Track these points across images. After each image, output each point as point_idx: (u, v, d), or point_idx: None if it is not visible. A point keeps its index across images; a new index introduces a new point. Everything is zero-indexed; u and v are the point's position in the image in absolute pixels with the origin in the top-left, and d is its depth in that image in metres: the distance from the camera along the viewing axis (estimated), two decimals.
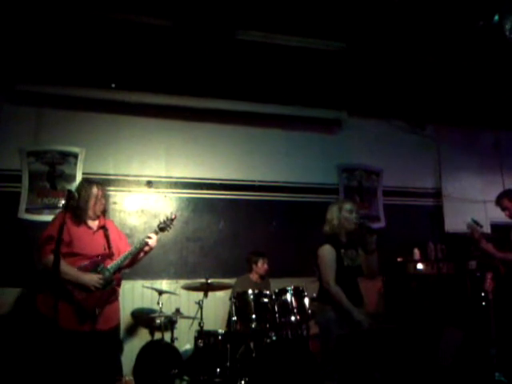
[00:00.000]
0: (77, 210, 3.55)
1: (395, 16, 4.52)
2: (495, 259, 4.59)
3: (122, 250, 3.73)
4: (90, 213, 3.63)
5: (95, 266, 3.52)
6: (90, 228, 3.63)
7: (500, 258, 4.46)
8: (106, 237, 3.66)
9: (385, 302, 5.99)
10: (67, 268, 3.34)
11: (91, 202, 3.61)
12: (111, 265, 3.58)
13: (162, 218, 3.99)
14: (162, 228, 3.92)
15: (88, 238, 3.58)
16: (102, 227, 3.69)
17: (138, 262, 3.92)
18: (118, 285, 3.68)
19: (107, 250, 3.63)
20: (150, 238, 3.76)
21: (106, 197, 3.77)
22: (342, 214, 3.79)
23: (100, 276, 3.48)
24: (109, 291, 3.53)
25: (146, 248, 3.77)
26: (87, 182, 3.81)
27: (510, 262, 4.38)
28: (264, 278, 5.34)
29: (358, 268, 3.83)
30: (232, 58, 5.17)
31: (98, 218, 3.69)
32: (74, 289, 3.37)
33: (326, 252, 3.65)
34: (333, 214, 3.81)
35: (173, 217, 3.98)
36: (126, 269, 3.83)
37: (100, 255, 3.57)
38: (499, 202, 4.60)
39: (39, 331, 3.27)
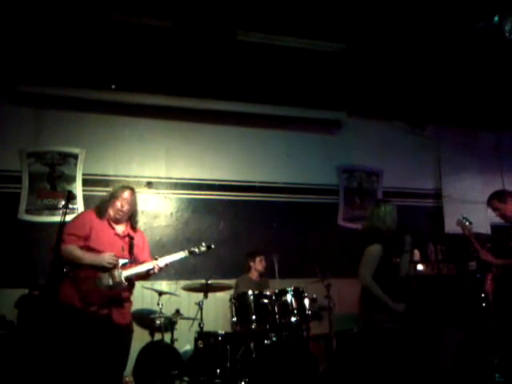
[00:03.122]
0: (101, 204, 3.60)
1: (395, 17, 4.52)
2: (492, 264, 4.61)
3: (140, 261, 3.63)
4: (111, 212, 3.56)
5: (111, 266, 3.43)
6: (112, 228, 3.57)
7: (498, 265, 4.47)
8: (130, 243, 3.55)
9: None
10: (83, 253, 3.37)
11: (112, 202, 3.56)
12: (127, 272, 3.47)
13: (199, 245, 3.81)
14: (191, 252, 3.75)
15: (109, 237, 3.53)
16: (128, 235, 3.59)
17: (149, 278, 3.81)
18: (130, 289, 3.62)
19: (126, 253, 3.52)
20: (157, 263, 3.57)
21: (130, 204, 3.60)
22: (394, 213, 3.80)
23: (112, 254, 3.40)
24: (114, 293, 3.44)
25: (155, 270, 3.59)
26: (121, 186, 3.80)
27: (507, 266, 4.39)
28: (263, 276, 5.35)
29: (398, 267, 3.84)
30: (232, 59, 5.17)
31: (118, 222, 3.60)
32: (82, 280, 3.36)
33: (376, 251, 3.61)
34: (387, 212, 3.78)
35: (208, 245, 3.81)
36: (138, 280, 3.75)
37: (116, 255, 3.47)
38: (490, 203, 4.61)
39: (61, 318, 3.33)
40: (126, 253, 3.52)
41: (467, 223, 4.68)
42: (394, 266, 3.71)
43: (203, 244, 3.83)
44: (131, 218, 3.66)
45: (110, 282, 3.41)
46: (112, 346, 3.36)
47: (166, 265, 3.64)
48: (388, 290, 3.48)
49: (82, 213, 3.54)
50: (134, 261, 3.56)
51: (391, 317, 3.44)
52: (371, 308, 3.52)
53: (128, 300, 3.62)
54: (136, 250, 3.60)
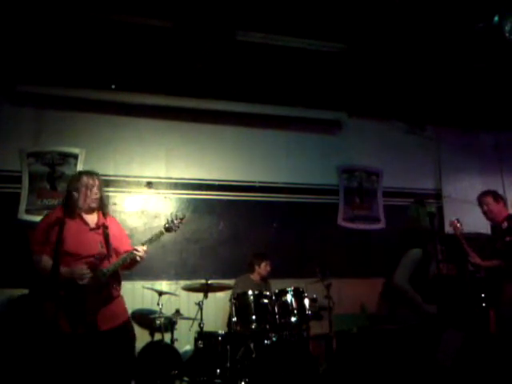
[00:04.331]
0: (68, 203, 3.27)
1: (395, 17, 4.53)
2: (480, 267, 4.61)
3: (122, 251, 3.46)
4: (82, 205, 3.33)
5: (90, 268, 3.22)
6: (86, 224, 3.34)
7: (487, 267, 4.49)
8: (105, 235, 3.34)
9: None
10: (49, 265, 3.02)
11: (82, 192, 3.32)
12: (108, 267, 3.27)
13: (170, 217, 3.60)
14: (168, 228, 3.57)
15: (83, 235, 3.29)
16: (102, 225, 3.37)
17: (135, 267, 3.60)
18: (118, 285, 3.42)
19: (104, 250, 3.31)
20: (137, 250, 3.35)
21: (100, 188, 3.42)
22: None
23: (86, 269, 3.17)
24: (102, 296, 3.24)
25: (137, 258, 3.37)
26: (78, 173, 3.52)
27: (494, 268, 4.41)
28: (265, 279, 5.35)
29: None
30: (232, 59, 5.17)
31: (93, 211, 3.40)
32: (64, 294, 3.12)
33: (418, 256, 3.63)
34: (422, 212, 3.78)
35: (181, 216, 3.60)
36: (124, 271, 3.55)
37: (95, 255, 3.28)
38: (483, 197, 4.57)
39: (39, 333, 3.21)
40: (106, 248, 3.32)
41: (459, 225, 4.70)
42: (427, 270, 3.72)
43: (176, 216, 3.59)
44: (101, 204, 3.47)
45: (94, 286, 3.20)
46: (106, 357, 3.15)
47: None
48: (419, 292, 3.50)
49: (48, 215, 3.21)
50: (112, 254, 3.36)
51: (418, 316, 3.46)
52: (398, 306, 3.53)
53: (118, 296, 3.40)
54: (114, 242, 3.40)
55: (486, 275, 4.55)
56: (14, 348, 4.23)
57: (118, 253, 3.45)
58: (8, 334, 4.41)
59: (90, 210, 3.42)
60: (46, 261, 3.10)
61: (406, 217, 4.18)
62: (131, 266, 3.51)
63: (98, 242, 3.33)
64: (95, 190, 3.40)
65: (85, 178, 3.39)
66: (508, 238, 4.33)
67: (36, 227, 3.29)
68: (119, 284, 3.47)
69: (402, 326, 3.46)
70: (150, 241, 3.48)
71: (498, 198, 4.56)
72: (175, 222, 3.58)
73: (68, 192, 3.35)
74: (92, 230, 3.37)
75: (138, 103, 5.71)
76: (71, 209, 3.30)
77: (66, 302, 3.14)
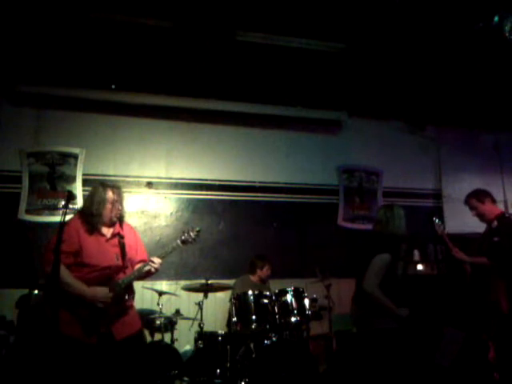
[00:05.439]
0: (90, 216, 3.26)
1: (395, 17, 4.53)
2: (465, 262, 4.59)
3: (137, 260, 3.44)
4: (106, 219, 3.31)
5: (105, 279, 3.20)
6: (102, 235, 3.31)
7: (471, 262, 4.46)
8: (121, 245, 3.32)
9: None
10: (72, 281, 3.09)
11: (107, 208, 3.30)
12: (123, 279, 3.26)
13: (186, 230, 3.55)
14: (184, 241, 3.49)
15: (99, 246, 3.25)
16: (117, 234, 3.36)
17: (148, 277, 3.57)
18: (132, 296, 3.41)
19: (120, 261, 3.28)
20: (153, 262, 3.34)
21: (122, 201, 3.41)
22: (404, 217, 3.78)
23: (109, 293, 3.16)
24: (118, 308, 3.22)
25: (152, 270, 3.37)
26: (102, 185, 3.43)
27: (478, 264, 4.39)
28: (265, 281, 5.34)
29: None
30: (232, 59, 5.18)
31: (114, 224, 3.37)
32: (78, 304, 3.10)
33: (387, 261, 3.56)
34: (401, 216, 3.75)
35: (197, 229, 3.54)
36: (137, 281, 3.51)
37: (111, 267, 3.24)
38: (467, 201, 4.56)
39: (43, 337, 3.18)
40: (121, 260, 3.30)
41: (439, 223, 4.72)
42: (396, 273, 3.70)
43: (192, 229, 3.56)
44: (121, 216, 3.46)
45: (111, 299, 3.17)
46: (120, 366, 3.14)
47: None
48: (390, 296, 3.48)
49: (67, 225, 3.07)
50: (128, 265, 3.36)
51: (392, 321, 3.45)
52: (376, 313, 3.51)
53: (131, 307, 3.41)
54: (130, 252, 3.38)
55: (473, 272, 4.52)
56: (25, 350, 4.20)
57: (132, 262, 3.44)
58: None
59: (114, 223, 3.39)
60: (61, 272, 2.98)
61: (373, 221, 4.13)
62: (145, 277, 3.47)
63: (114, 254, 3.30)
64: (119, 204, 3.38)
65: (110, 193, 3.35)
66: (496, 239, 4.27)
67: (54, 237, 3.14)
68: (133, 295, 3.46)
69: (402, 325, 3.45)
70: (166, 254, 3.46)
71: (481, 197, 4.47)
72: (191, 234, 3.53)
73: (91, 204, 3.31)
74: (108, 240, 3.34)
75: (138, 103, 5.71)
76: (93, 222, 3.27)
77: (82, 311, 3.12)
